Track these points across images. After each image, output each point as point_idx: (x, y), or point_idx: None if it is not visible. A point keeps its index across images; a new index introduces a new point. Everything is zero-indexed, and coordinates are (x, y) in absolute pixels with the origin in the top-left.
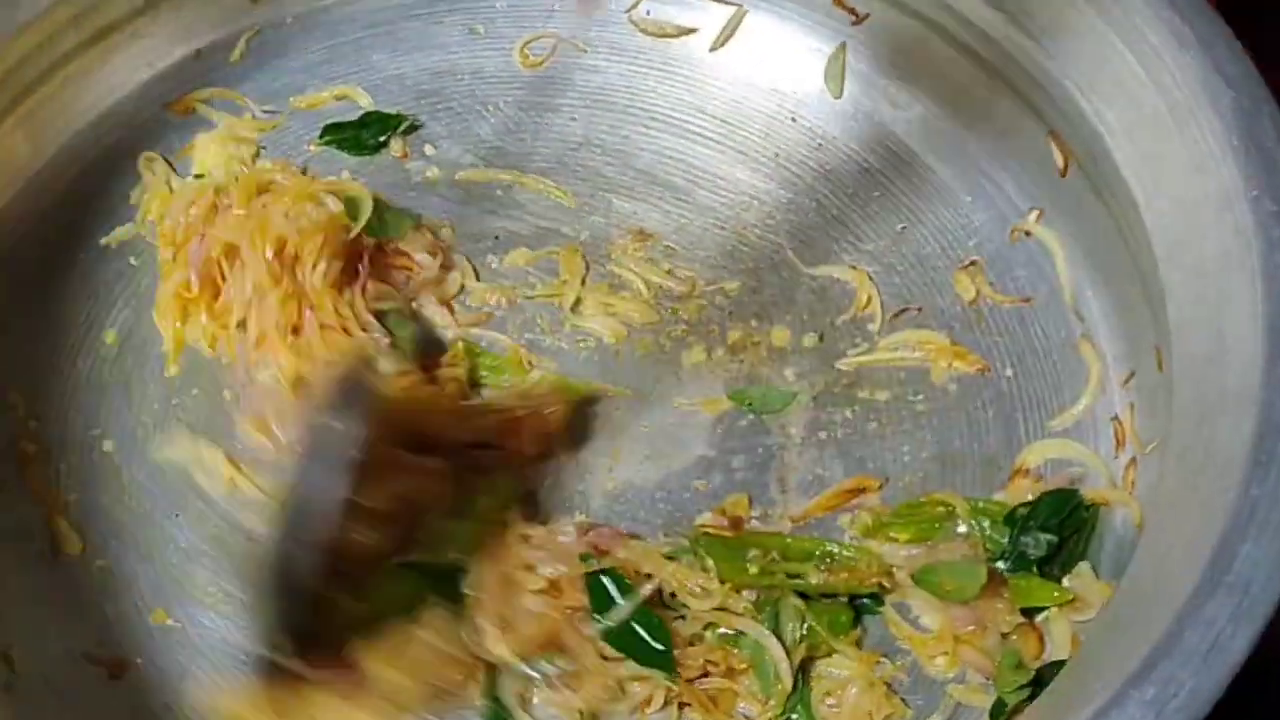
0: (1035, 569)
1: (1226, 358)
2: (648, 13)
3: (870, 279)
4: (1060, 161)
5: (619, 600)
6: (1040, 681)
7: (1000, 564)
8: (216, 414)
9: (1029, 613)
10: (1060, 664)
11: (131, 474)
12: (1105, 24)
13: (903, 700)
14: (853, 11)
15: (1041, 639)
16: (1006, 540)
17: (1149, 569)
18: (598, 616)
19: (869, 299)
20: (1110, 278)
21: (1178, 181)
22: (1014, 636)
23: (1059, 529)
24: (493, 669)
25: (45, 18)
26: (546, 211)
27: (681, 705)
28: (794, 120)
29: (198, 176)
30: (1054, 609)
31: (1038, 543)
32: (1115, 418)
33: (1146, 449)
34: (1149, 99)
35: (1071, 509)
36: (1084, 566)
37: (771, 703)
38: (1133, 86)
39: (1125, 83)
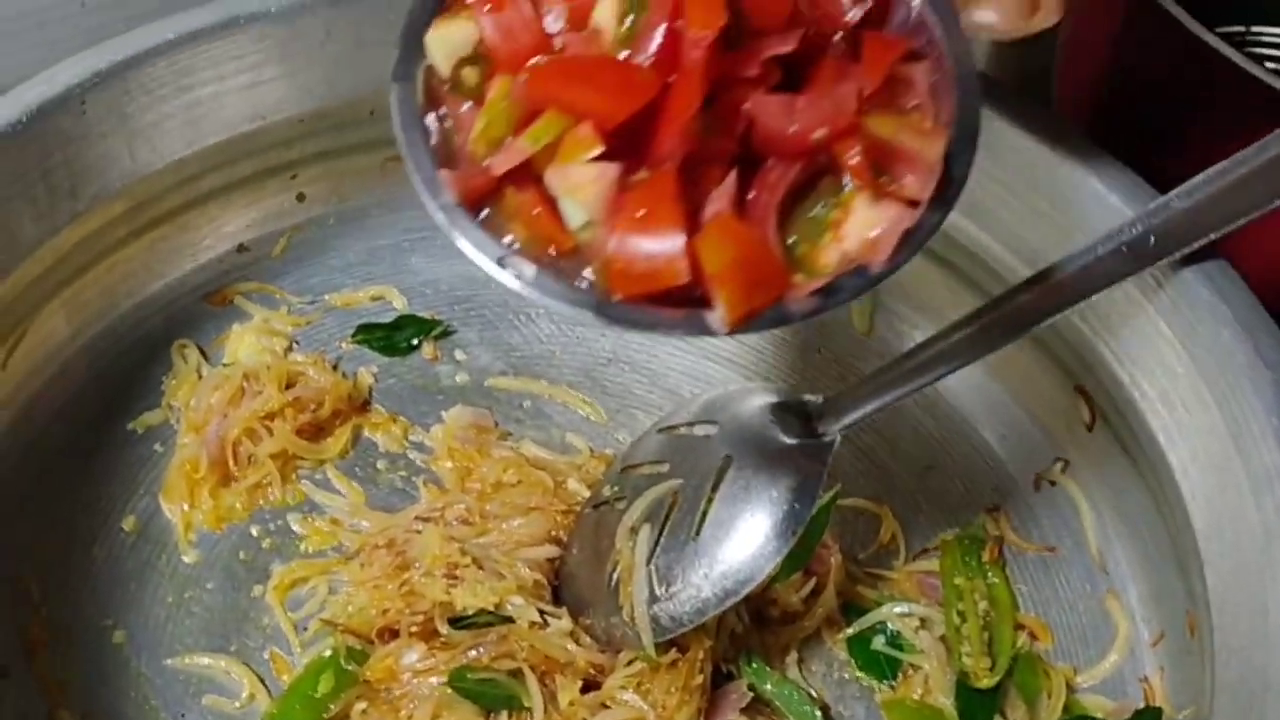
0: None
1: (1271, 640)
2: None
3: (894, 515)
4: (1087, 416)
5: None
6: None
7: None
8: (232, 609)
9: None
10: None
11: (140, 668)
12: (1142, 295)
13: None
14: None
15: None
16: None
17: None
18: None
19: (893, 534)
20: (1138, 536)
21: (1216, 456)
22: None
23: None
24: None
25: (100, 209)
26: (574, 423)
27: None
28: (820, 352)
29: (228, 365)
30: None
31: None
32: (1144, 679)
33: (1179, 715)
34: (1186, 373)
35: None
36: None
37: None
38: (1170, 360)
39: (1163, 356)
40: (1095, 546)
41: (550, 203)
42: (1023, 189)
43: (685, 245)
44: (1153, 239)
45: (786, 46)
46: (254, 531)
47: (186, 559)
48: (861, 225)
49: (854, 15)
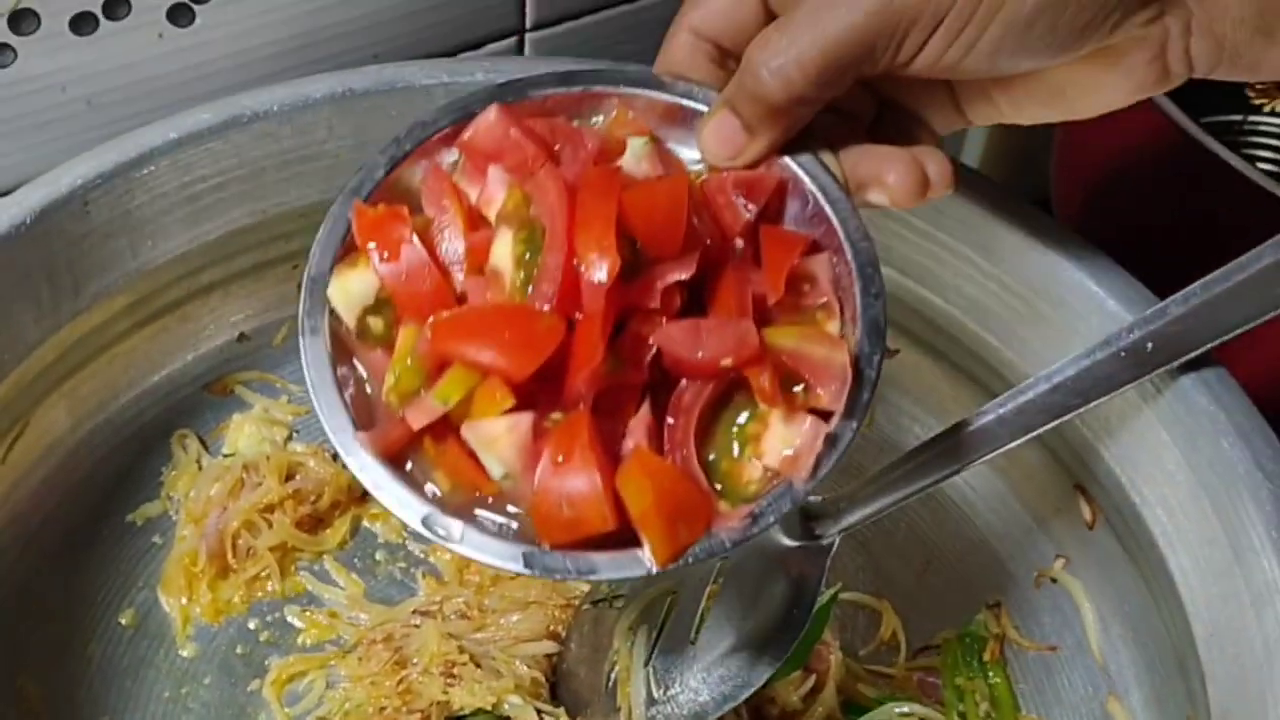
0: None
1: None
2: None
3: (895, 611)
4: (1088, 515)
5: None
6: None
7: None
8: (229, 705)
9: None
10: None
11: None
12: (1141, 400)
13: None
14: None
15: None
16: None
17: None
18: None
19: (893, 631)
20: (1141, 638)
21: (1216, 565)
22: None
23: None
24: None
25: (103, 305)
26: None
27: None
28: None
29: (228, 456)
30: None
31: None
32: None
33: None
34: (1186, 481)
35: None
36: None
37: None
38: (1170, 466)
39: (1163, 462)
40: (1097, 646)
41: (471, 453)
42: (1021, 289)
43: (606, 491)
44: (1150, 345)
45: (685, 273)
46: (252, 625)
47: (184, 653)
48: (779, 441)
49: (749, 217)
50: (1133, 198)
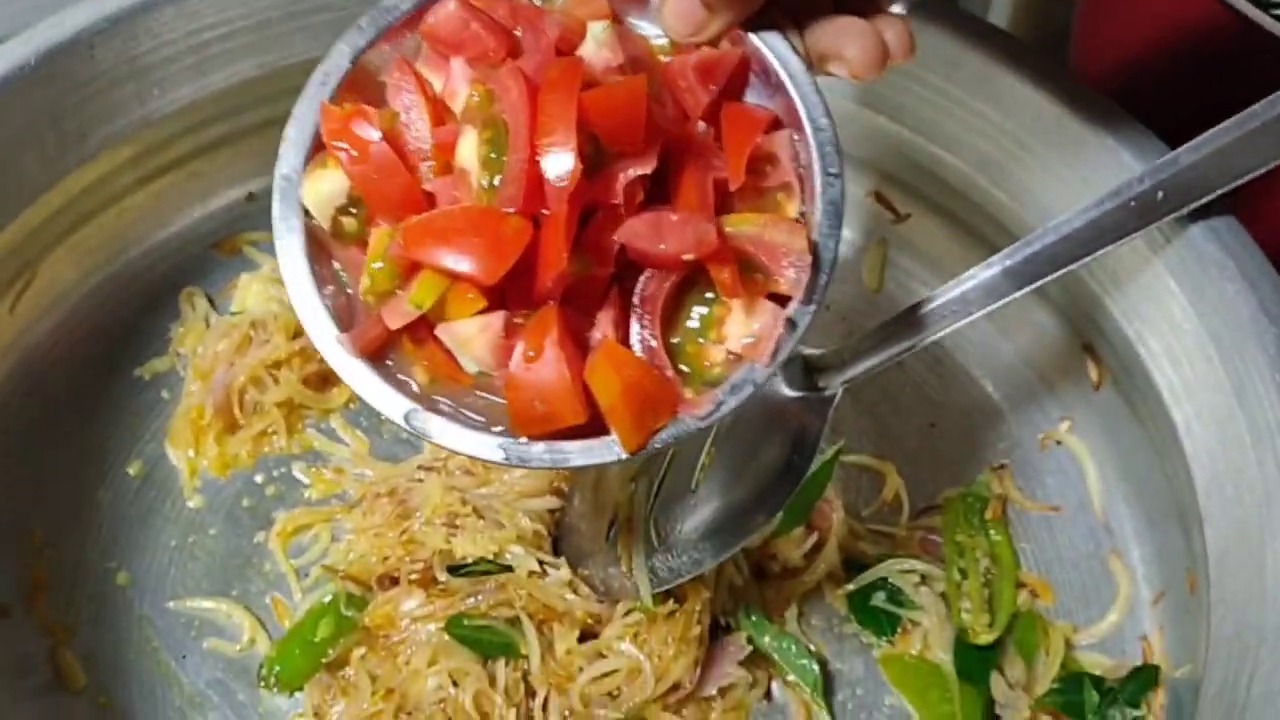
0: None
1: (1268, 595)
2: None
3: (898, 472)
4: (1095, 375)
5: None
6: None
7: None
8: (235, 554)
9: None
10: None
11: (142, 610)
12: (1150, 250)
13: None
14: (894, 210)
15: None
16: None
17: None
18: None
19: (896, 492)
20: (1143, 495)
21: (1219, 411)
22: None
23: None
24: None
25: (108, 154)
26: None
27: None
28: (828, 308)
29: (235, 314)
30: None
31: (1124, 717)
32: (1144, 637)
33: (1176, 672)
34: (1192, 329)
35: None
36: None
37: None
38: (1177, 316)
39: (1169, 311)
40: (1099, 506)
41: (447, 349)
42: (1034, 143)
43: (575, 385)
44: (1160, 194)
45: (646, 168)
46: (258, 479)
47: (191, 504)
48: (740, 327)
49: (709, 99)
50: (1151, 55)
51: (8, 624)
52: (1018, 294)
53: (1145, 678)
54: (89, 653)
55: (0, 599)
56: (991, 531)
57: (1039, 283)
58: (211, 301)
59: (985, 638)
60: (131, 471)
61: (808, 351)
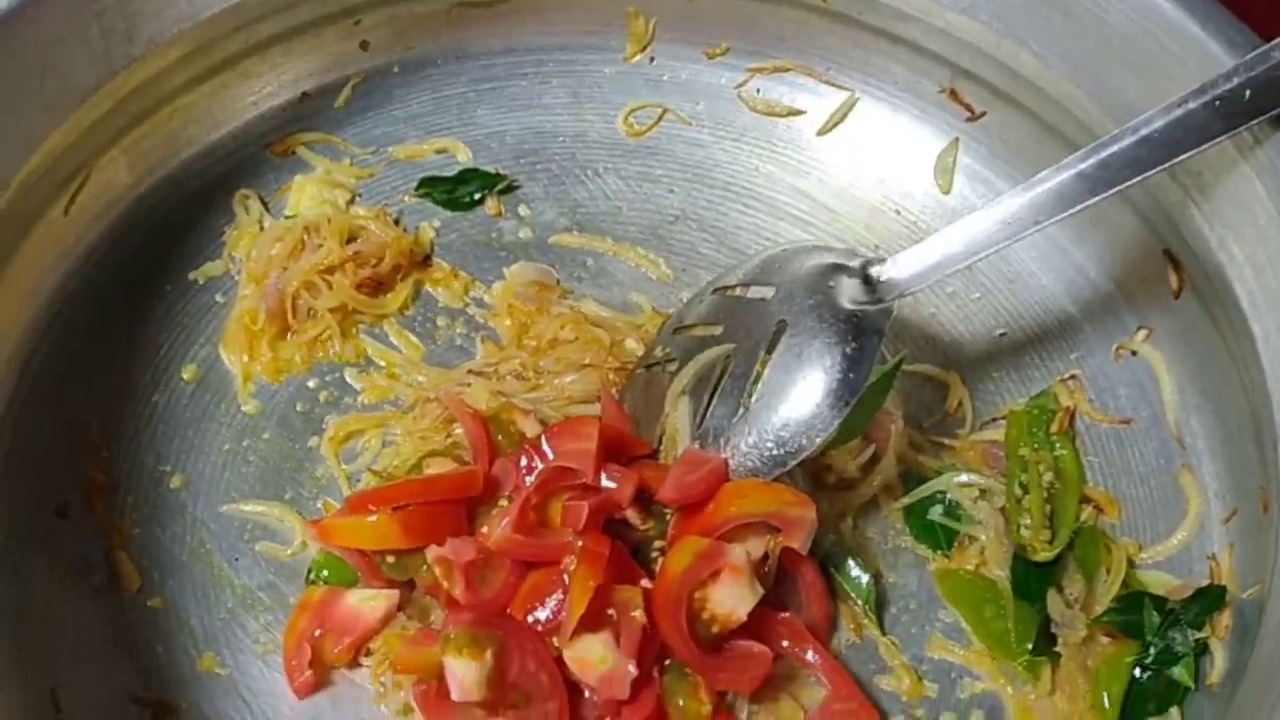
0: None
1: None
2: (757, 91)
3: (963, 382)
4: (1174, 283)
5: None
6: None
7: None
8: (288, 459)
9: None
10: None
11: (196, 513)
12: (1238, 153)
13: None
14: (969, 108)
15: None
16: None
17: None
18: None
19: (960, 403)
20: (1219, 409)
21: None
22: None
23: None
24: None
25: (159, 53)
26: (637, 282)
27: None
28: (898, 213)
29: (289, 218)
30: None
31: (1185, 639)
32: (1212, 556)
33: (1243, 593)
34: (1276, 236)
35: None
36: (1173, 711)
37: None
38: (1263, 222)
39: (1256, 217)
40: (1174, 419)
41: None
42: (1115, 33)
43: None
44: (1248, 93)
45: None
46: (311, 384)
47: (245, 409)
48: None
49: None
50: None
51: (67, 524)
52: (1093, 201)
53: (1211, 598)
54: (144, 554)
55: (59, 499)
56: (1057, 445)
57: (1115, 190)
58: (265, 204)
59: (1044, 555)
60: (186, 376)
61: (868, 258)
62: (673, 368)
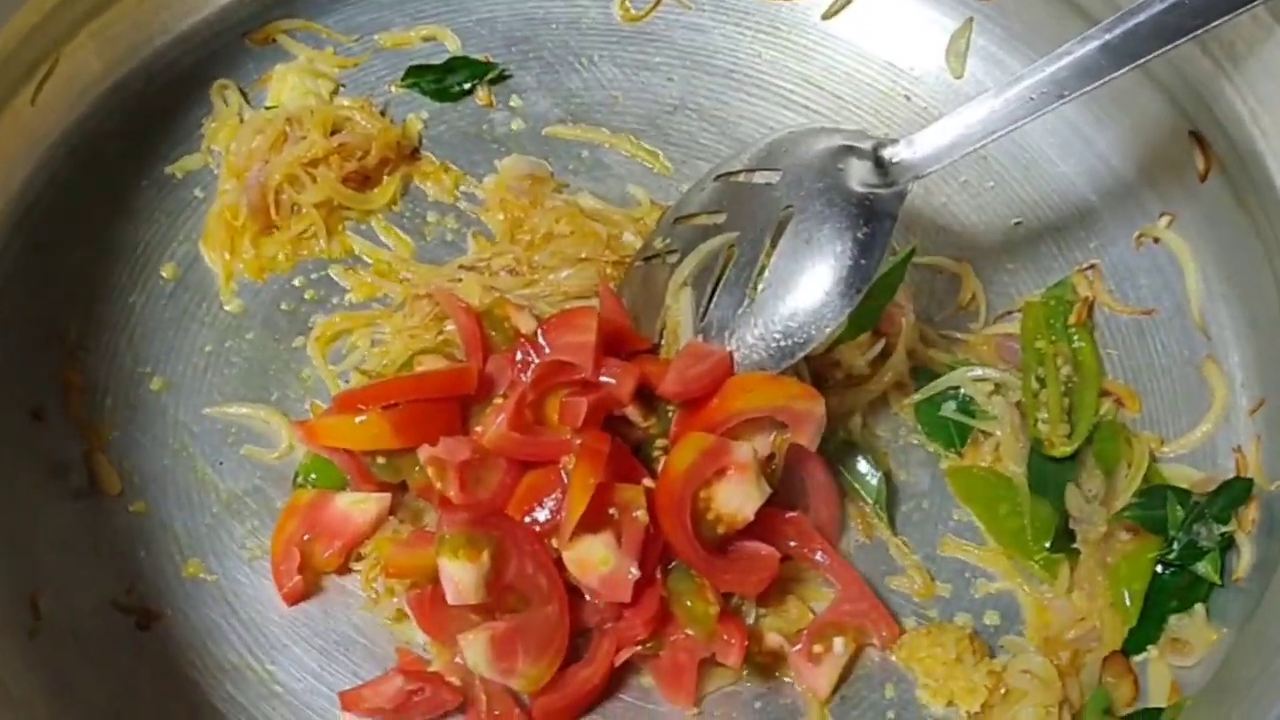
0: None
1: None
2: None
3: (976, 274)
4: (1201, 165)
5: None
6: None
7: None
8: (273, 360)
9: (1126, 652)
10: (1152, 712)
11: (177, 415)
12: (1273, 19)
13: None
14: None
15: (1137, 683)
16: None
17: (1272, 623)
18: None
19: (973, 295)
20: (1245, 295)
21: None
22: (1108, 678)
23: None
24: None
25: None
26: (635, 174)
27: None
28: (908, 99)
29: (270, 108)
30: (1155, 653)
31: (1210, 533)
32: (1238, 449)
33: (1271, 485)
34: None
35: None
36: (1198, 607)
37: None
38: None
39: None
40: (1198, 308)
41: None
42: None
43: None
44: None
45: None
46: (297, 282)
47: (227, 308)
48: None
49: None
50: None
51: (41, 427)
52: (1118, 74)
53: (1237, 491)
54: (124, 458)
55: (34, 401)
56: (1075, 337)
57: (1142, 60)
58: (244, 95)
59: (1062, 449)
60: (165, 274)
61: (878, 140)
62: (673, 259)
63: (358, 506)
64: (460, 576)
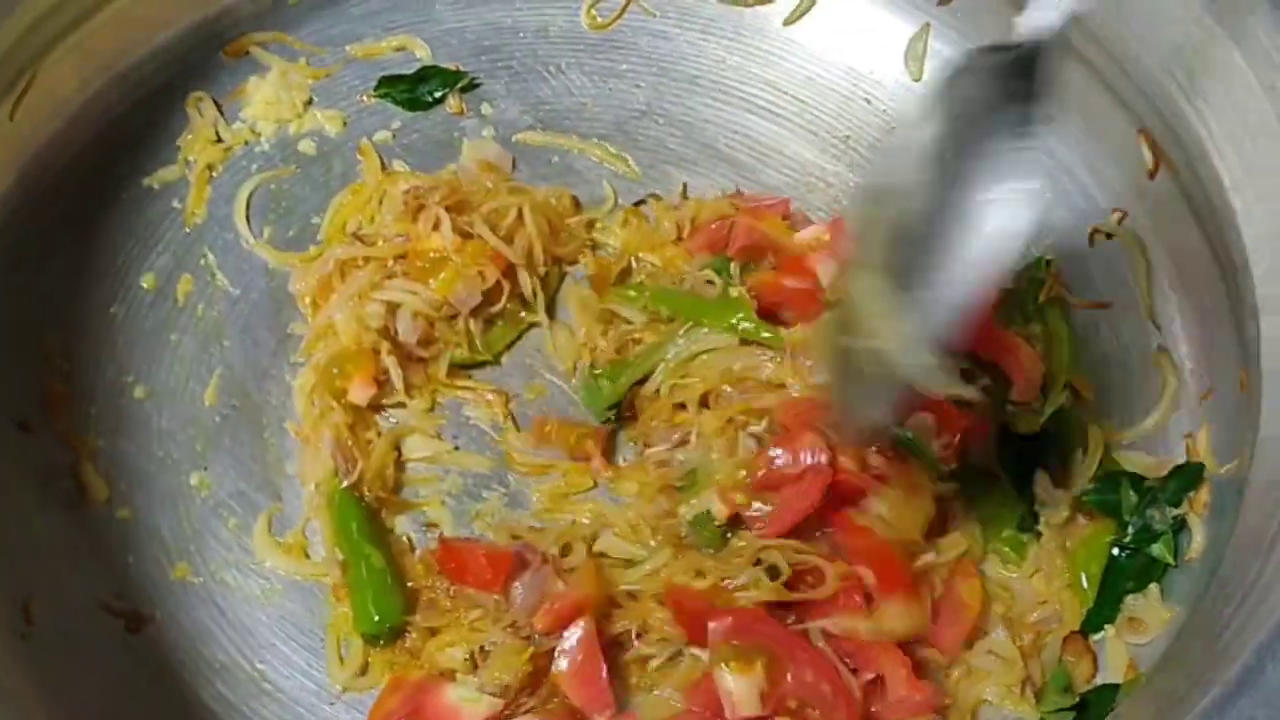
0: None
1: None
2: None
3: None
4: (1150, 162)
5: None
6: (1084, 705)
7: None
8: (253, 364)
9: (1084, 632)
10: (1110, 688)
11: (161, 423)
12: (1216, 24)
13: None
14: None
15: (1095, 661)
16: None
17: (1222, 601)
18: None
19: None
20: (1193, 289)
21: None
22: (1068, 657)
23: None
24: None
25: None
26: (603, 179)
27: None
28: (868, 102)
29: (245, 121)
30: (1112, 632)
31: (1164, 516)
32: (1189, 435)
33: (1221, 470)
34: (1258, 108)
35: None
36: (1152, 587)
37: None
38: (1241, 94)
39: (1234, 90)
40: (1148, 301)
41: None
42: None
43: None
44: None
45: None
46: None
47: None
48: None
49: None
50: None
51: (28, 438)
52: None
53: (1188, 475)
54: (110, 466)
55: (19, 413)
56: (1048, 313)
57: None
58: (219, 107)
59: (1029, 426)
60: (145, 284)
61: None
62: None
63: (469, 704)
64: (737, 689)
